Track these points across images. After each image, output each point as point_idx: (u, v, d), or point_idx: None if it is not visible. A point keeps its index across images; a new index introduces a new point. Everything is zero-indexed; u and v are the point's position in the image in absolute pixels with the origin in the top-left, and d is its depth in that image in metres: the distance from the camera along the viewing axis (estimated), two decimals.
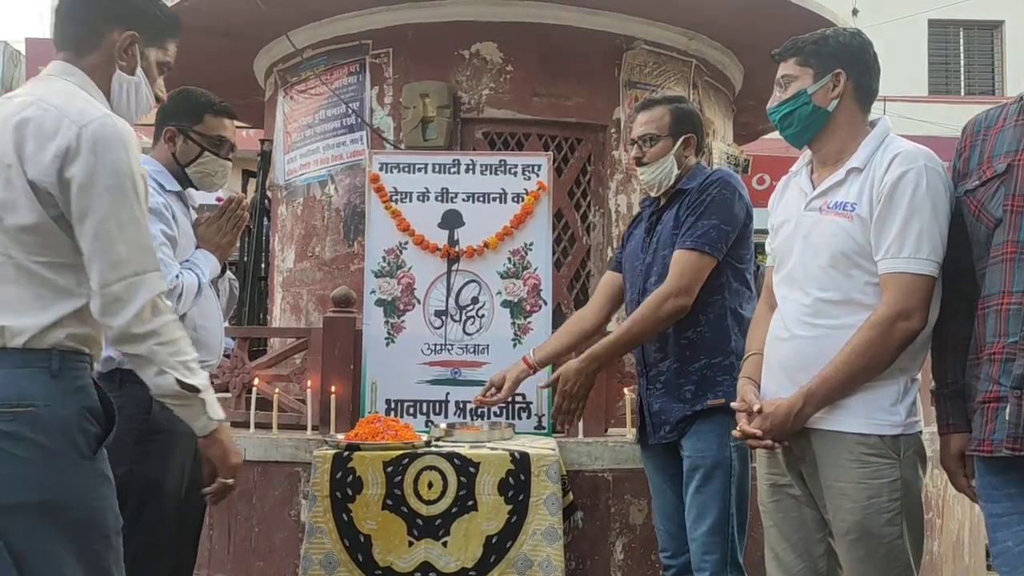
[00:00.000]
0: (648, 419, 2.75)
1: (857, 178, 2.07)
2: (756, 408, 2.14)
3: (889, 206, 2.01)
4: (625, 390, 3.69)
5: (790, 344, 2.17)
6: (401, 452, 2.98)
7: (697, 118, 2.84)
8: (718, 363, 2.62)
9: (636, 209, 5.01)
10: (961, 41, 15.96)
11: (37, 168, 1.70)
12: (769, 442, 2.13)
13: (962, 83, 15.98)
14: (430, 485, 2.95)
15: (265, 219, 6.20)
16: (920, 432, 2.17)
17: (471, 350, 3.66)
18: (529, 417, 3.62)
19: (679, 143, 2.73)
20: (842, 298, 2.08)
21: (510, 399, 3.43)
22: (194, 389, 1.81)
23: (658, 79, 5.22)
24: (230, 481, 1.98)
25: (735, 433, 2.21)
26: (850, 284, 2.08)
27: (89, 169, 1.70)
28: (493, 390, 3.05)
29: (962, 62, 16.01)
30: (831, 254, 2.09)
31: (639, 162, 2.77)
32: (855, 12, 13.65)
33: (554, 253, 4.26)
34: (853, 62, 2.13)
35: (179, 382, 1.79)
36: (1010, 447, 1.80)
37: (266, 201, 6.12)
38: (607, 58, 5.05)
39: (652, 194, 2.83)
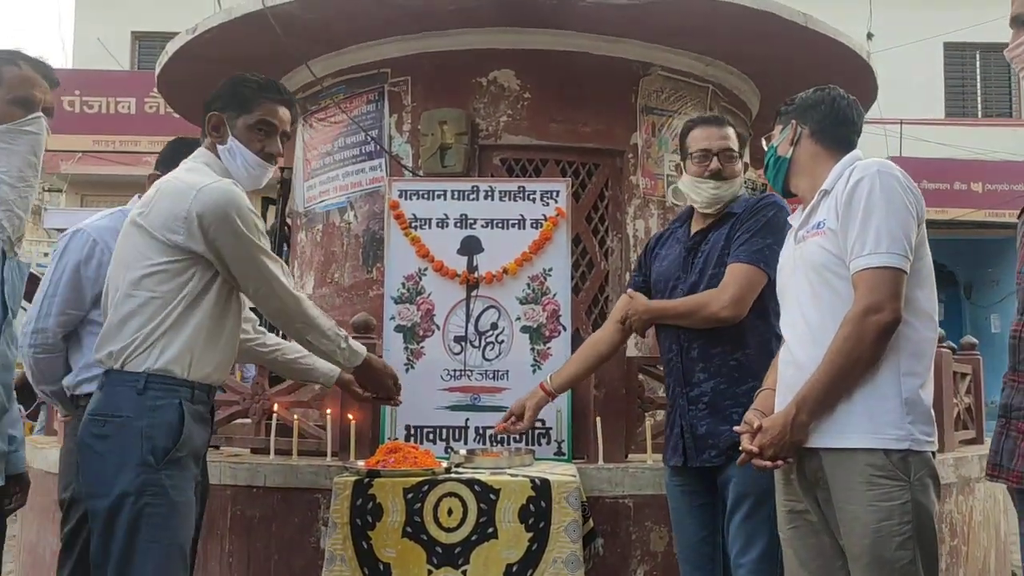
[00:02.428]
0: (690, 441, 2.71)
1: (827, 198, 2.24)
2: (756, 425, 2.20)
3: (848, 212, 2.14)
4: (646, 416, 3.68)
5: (794, 366, 2.24)
6: (421, 479, 2.97)
7: (746, 141, 2.92)
8: None
9: (656, 232, 5.03)
10: (978, 64, 15.92)
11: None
12: (769, 461, 2.16)
13: (979, 106, 15.92)
14: (450, 512, 2.93)
15: (285, 245, 6.25)
16: (932, 452, 2.16)
17: (490, 376, 3.66)
18: (549, 443, 3.60)
19: (741, 165, 2.78)
20: (833, 315, 2.15)
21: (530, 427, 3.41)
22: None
23: (675, 104, 5.24)
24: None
25: (741, 458, 2.23)
26: (838, 300, 2.15)
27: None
28: (514, 419, 3.05)
29: (979, 85, 15.97)
30: (814, 271, 2.21)
31: (718, 175, 2.76)
32: (870, 36, 13.67)
33: (572, 278, 4.26)
34: (809, 111, 2.35)
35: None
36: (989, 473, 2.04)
37: (286, 228, 6.17)
38: (624, 84, 5.07)
39: (706, 211, 2.81)
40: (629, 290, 2.97)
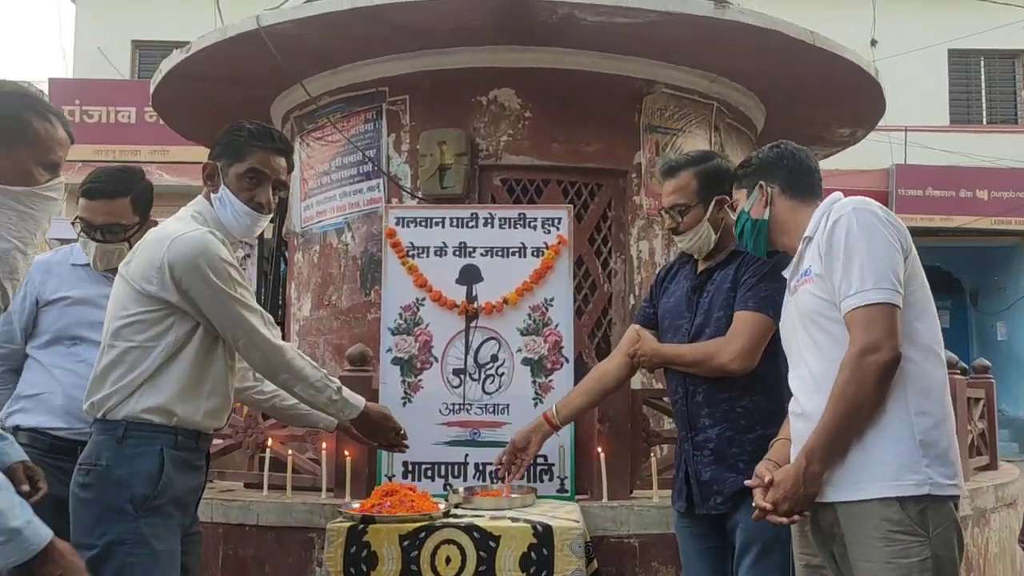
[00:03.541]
0: (695, 487, 2.60)
1: (810, 245, 2.20)
2: (767, 480, 2.12)
3: (830, 254, 2.10)
4: (652, 450, 3.57)
5: (802, 418, 2.17)
6: (418, 525, 2.86)
7: (727, 173, 2.71)
8: (773, 434, 2.50)
9: (660, 255, 4.93)
10: (982, 70, 15.79)
11: None
12: (784, 517, 2.08)
13: (983, 112, 15.79)
14: (448, 560, 2.83)
15: (282, 263, 6.15)
16: (956, 496, 2.06)
17: (490, 410, 3.55)
18: (551, 479, 3.50)
19: (712, 207, 2.63)
20: (834, 361, 2.08)
21: (531, 462, 3.31)
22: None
23: (679, 122, 5.14)
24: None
25: (755, 514, 2.15)
26: (836, 345, 2.09)
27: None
28: (515, 452, 2.93)
29: (983, 91, 15.83)
30: (809, 319, 2.16)
31: (674, 231, 2.69)
32: (874, 43, 13.55)
33: (575, 301, 4.15)
34: (771, 170, 2.36)
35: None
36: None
37: (283, 248, 6.08)
38: (627, 102, 4.96)
39: (695, 256, 2.74)
40: (637, 326, 2.87)
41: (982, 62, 15.69)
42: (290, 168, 2.48)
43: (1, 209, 1.79)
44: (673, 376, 2.70)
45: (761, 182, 2.36)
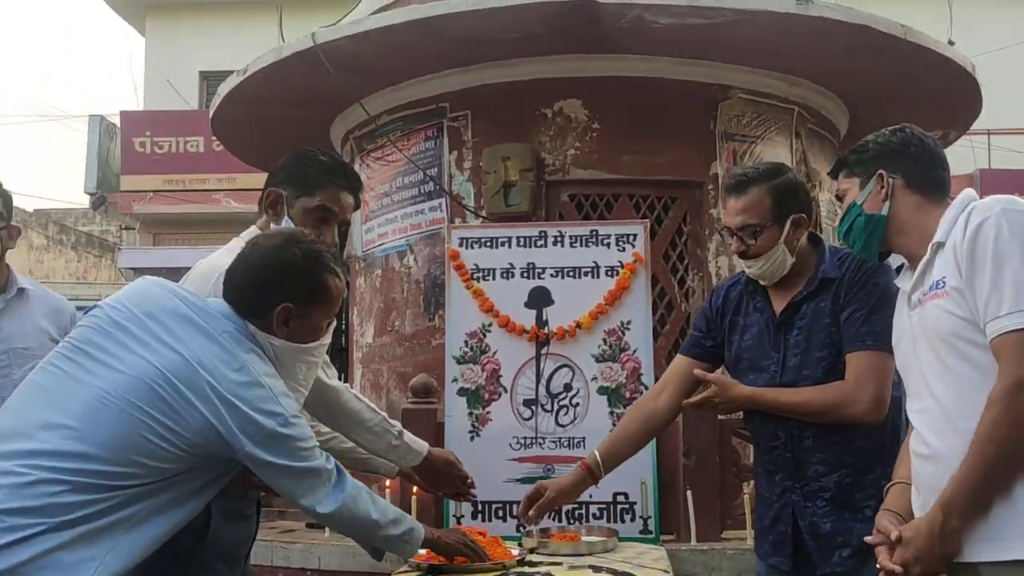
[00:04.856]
0: (812, 542, 2.27)
1: (942, 252, 1.88)
2: (894, 536, 1.82)
3: (972, 265, 1.78)
4: (744, 486, 3.26)
5: (931, 461, 1.87)
6: None
7: (802, 189, 2.41)
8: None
9: (739, 271, 4.61)
10: None
11: None
12: None
13: None
14: None
15: (345, 288, 6.02)
16: None
17: (565, 443, 3.30)
18: (633, 520, 3.21)
19: (787, 227, 2.30)
20: (972, 393, 1.78)
21: (610, 500, 3.04)
22: None
23: (757, 129, 4.84)
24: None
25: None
26: (977, 373, 1.79)
27: None
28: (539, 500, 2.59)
29: None
30: (941, 341, 1.84)
31: (743, 255, 2.36)
32: (951, 43, 13.02)
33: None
34: (894, 157, 2.03)
35: None
36: None
37: (345, 270, 5.94)
38: (701, 110, 4.71)
39: (763, 282, 2.40)
40: (688, 359, 2.52)
41: None
42: (357, 205, 2.31)
43: (297, 364, 1.88)
44: (769, 419, 2.37)
45: (881, 171, 2.02)
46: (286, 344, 1.81)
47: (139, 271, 13.25)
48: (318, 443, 2.20)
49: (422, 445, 2.37)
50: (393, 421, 2.34)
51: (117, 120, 14.59)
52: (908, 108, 5.30)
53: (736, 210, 2.34)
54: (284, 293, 1.79)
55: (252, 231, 2.27)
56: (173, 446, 1.63)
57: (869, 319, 2.21)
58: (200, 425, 1.63)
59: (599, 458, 2.54)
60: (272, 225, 2.25)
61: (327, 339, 1.97)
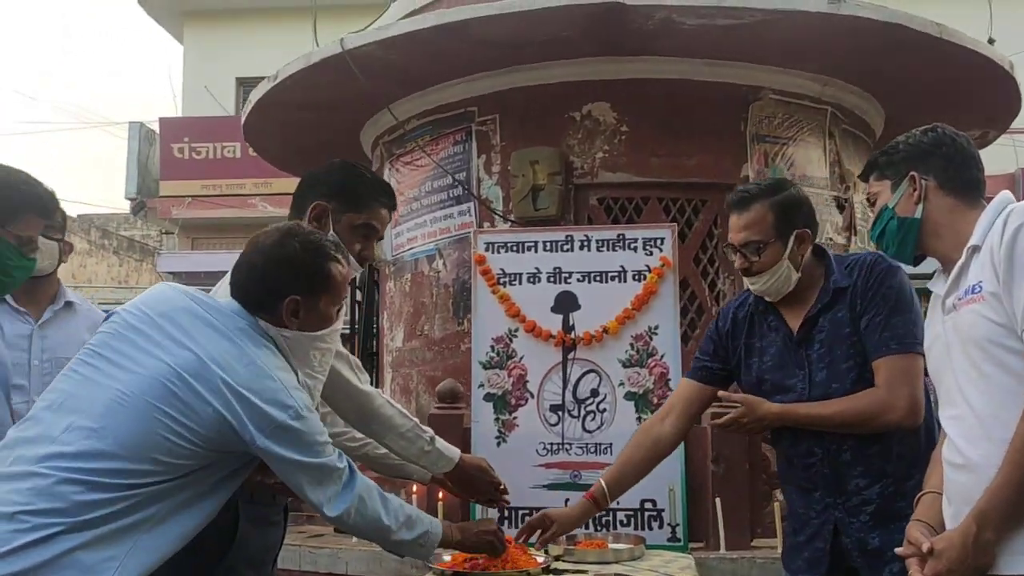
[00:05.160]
0: (860, 559, 2.21)
1: (978, 256, 1.82)
2: (926, 548, 1.76)
3: (1011, 269, 1.71)
4: (775, 494, 3.21)
5: (964, 470, 1.81)
6: None
7: (806, 204, 2.35)
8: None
9: (726, 309, 4.51)
10: None
11: None
12: None
13: None
14: None
15: (375, 291, 6.04)
16: None
17: (592, 450, 3.27)
18: (661, 527, 3.17)
19: (791, 243, 2.26)
20: (1009, 400, 1.72)
21: (637, 507, 3.01)
22: None
23: (789, 131, 4.77)
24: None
25: None
26: (1014, 380, 1.73)
27: None
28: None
29: None
30: (976, 347, 1.78)
31: (746, 272, 2.31)
32: (991, 42, 12.73)
33: (680, 326, 3.81)
34: (926, 158, 1.96)
35: None
36: None
37: (375, 274, 5.97)
38: (731, 111, 4.65)
39: (768, 299, 2.35)
40: (698, 384, 2.47)
41: None
42: (389, 221, 2.40)
43: (310, 352, 1.88)
44: (802, 437, 2.31)
45: (913, 172, 1.96)
46: (298, 335, 1.83)
47: (178, 275, 13.44)
48: (332, 441, 2.17)
49: (454, 451, 2.37)
50: (425, 427, 2.35)
51: (156, 126, 14.81)
52: (945, 107, 5.19)
53: (739, 227, 2.30)
54: (290, 286, 1.80)
55: None
56: (189, 442, 1.65)
57: (889, 323, 2.16)
58: (212, 419, 1.65)
59: (605, 488, 2.51)
60: None
61: (339, 324, 1.96)
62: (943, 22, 4.57)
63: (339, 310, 1.94)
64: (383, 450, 2.55)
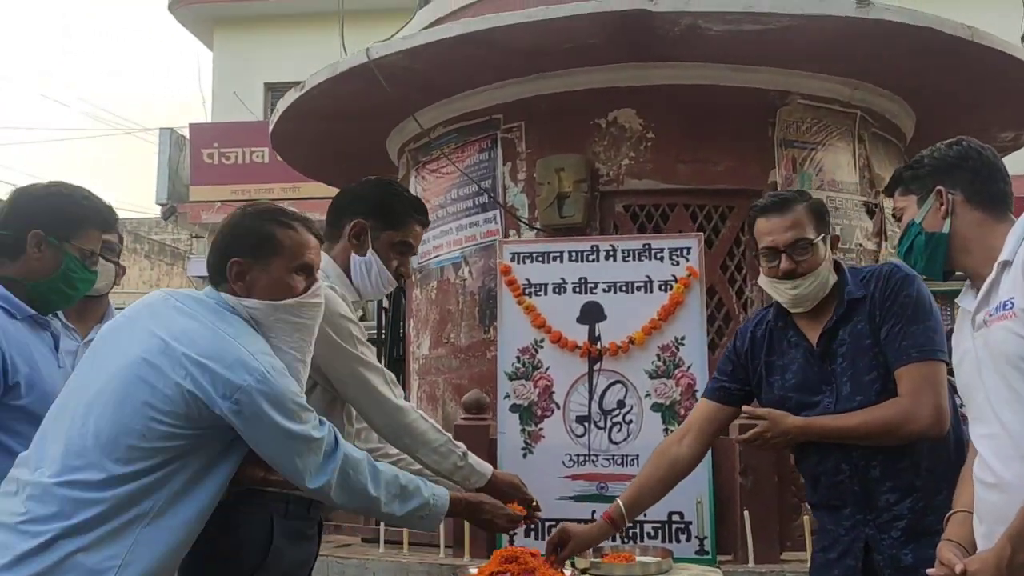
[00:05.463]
0: (894, 575, 2.18)
1: (1008, 271, 1.78)
2: (959, 570, 1.72)
3: None
4: (804, 507, 3.17)
5: (997, 490, 1.77)
6: None
7: (828, 212, 2.36)
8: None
9: (744, 328, 4.45)
10: None
11: None
12: None
13: None
14: None
15: (402, 297, 6.06)
16: None
17: (619, 461, 3.25)
18: (688, 540, 3.15)
19: (827, 245, 2.24)
20: None
21: (665, 519, 2.98)
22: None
23: (818, 135, 4.72)
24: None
25: None
26: None
27: None
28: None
29: None
30: (1009, 364, 1.74)
31: (791, 274, 2.27)
32: None
33: (707, 334, 3.78)
34: (951, 172, 1.95)
35: None
36: None
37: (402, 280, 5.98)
38: (759, 117, 4.61)
39: (799, 309, 2.31)
40: (715, 404, 2.44)
41: None
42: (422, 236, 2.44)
43: (277, 324, 1.84)
44: (829, 454, 2.28)
45: (939, 187, 1.94)
46: (261, 304, 1.81)
47: (207, 279, 13.58)
48: (317, 413, 2.10)
49: (486, 467, 2.36)
50: (458, 443, 2.34)
51: (186, 132, 14.97)
52: (977, 109, 5.12)
53: (784, 227, 2.26)
54: (231, 248, 1.82)
55: (327, 261, 2.25)
56: (165, 424, 1.65)
57: (908, 332, 2.13)
58: (179, 395, 1.65)
59: (623, 509, 2.49)
60: (354, 255, 2.28)
61: (313, 299, 1.90)
62: (969, 22, 4.50)
63: (309, 283, 1.88)
64: (417, 466, 2.55)
